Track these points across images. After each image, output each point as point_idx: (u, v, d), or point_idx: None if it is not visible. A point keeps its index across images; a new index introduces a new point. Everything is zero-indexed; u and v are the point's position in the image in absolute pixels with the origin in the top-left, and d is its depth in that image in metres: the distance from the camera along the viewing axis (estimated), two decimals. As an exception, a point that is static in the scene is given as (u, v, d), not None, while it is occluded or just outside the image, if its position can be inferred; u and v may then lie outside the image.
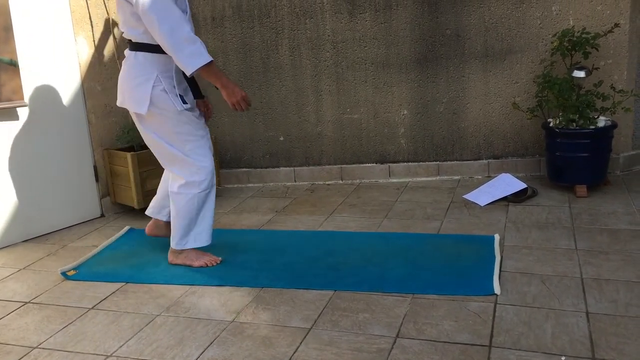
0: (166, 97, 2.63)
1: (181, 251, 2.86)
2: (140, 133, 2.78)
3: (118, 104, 2.77)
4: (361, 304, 2.41)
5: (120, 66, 3.78)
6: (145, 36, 2.59)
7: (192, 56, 2.47)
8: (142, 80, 2.62)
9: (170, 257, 2.92)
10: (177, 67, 2.63)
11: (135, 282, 2.78)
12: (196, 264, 2.86)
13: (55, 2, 3.50)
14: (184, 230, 2.81)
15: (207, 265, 2.86)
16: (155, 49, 2.59)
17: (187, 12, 2.63)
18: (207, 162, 2.74)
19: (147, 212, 3.08)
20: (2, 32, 3.20)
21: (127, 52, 2.70)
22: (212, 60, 2.52)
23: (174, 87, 2.65)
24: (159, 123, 2.68)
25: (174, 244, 2.85)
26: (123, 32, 2.69)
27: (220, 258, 2.91)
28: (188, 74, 2.52)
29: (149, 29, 2.51)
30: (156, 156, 2.83)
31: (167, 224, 3.01)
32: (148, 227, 3.08)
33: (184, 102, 2.67)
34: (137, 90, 2.64)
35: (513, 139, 4.05)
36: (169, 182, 2.83)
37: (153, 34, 2.50)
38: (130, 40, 2.66)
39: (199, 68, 2.49)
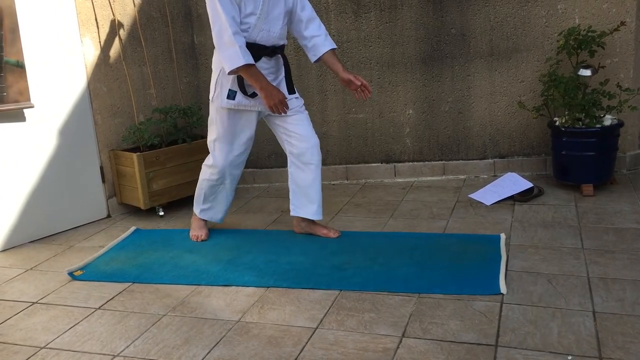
0: (219, 91, 2.92)
1: (194, 218, 3.29)
2: None
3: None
4: (367, 303, 2.41)
5: (126, 68, 3.82)
6: None
7: (230, 57, 2.71)
8: (213, 72, 2.97)
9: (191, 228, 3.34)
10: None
11: (142, 282, 2.79)
12: (190, 233, 3.29)
13: (61, 3, 3.52)
14: (196, 199, 3.26)
15: (191, 238, 3.26)
16: None
17: (255, 14, 2.78)
18: (219, 162, 3.07)
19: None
20: (8, 33, 3.21)
21: None
22: (248, 64, 2.71)
23: (228, 82, 2.88)
24: (213, 109, 3.02)
25: (195, 208, 3.29)
26: None
27: (204, 237, 3.25)
28: (226, 72, 2.76)
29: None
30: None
31: (300, 219, 3.21)
32: (293, 226, 3.30)
33: (231, 98, 2.90)
34: (212, 80, 2.98)
35: (519, 138, 4.04)
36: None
37: (213, 35, 2.80)
38: None
39: (236, 69, 2.72)
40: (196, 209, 3.27)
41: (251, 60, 2.72)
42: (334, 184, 4.27)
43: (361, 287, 2.55)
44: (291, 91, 3.01)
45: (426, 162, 4.19)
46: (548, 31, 3.85)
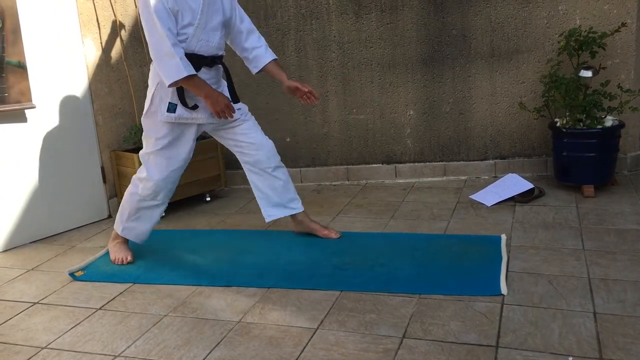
0: (157, 104, 2.79)
1: (116, 235, 3.05)
2: None
3: None
4: (368, 304, 2.41)
5: (127, 68, 3.82)
6: None
7: (170, 70, 2.62)
8: (150, 85, 2.85)
9: (110, 242, 3.12)
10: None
11: (143, 282, 2.79)
12: (112, 256, 3.05)
13: (63, 4, 3.52)
14: (119, 215, 3.02)
15: (116, 262, 3.02)
16: None
17: (193, 24, 2.68)
18: (156, 176, 2.88)
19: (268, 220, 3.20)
20: (10, 34, 3.22)
21: None
22: (190, 75, 2.63)
23: (167, 95, 2.76)
24: (148, 121, 2.87)
25: (115, 226, 3.06)
26: None
27: (130, 258, 3.02)
28: (167, 84, 2.65)
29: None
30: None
31: (298, 220, 3.19)
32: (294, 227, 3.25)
33: (171, 111, 2.78)
34: (148, 94, 2.86)
35: (520, 139, 4.04)
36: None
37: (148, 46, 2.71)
38: None
39: (176, 81, 2.63)
40: (118, 226, 3.02)
41: (193, 71, 2.65)
42: (334, 185, 4.28)
43: (362, 287, 2.55)
44: (235, 99, 2.91)
45: (427, 163, 4.19)
46: (549, 32, 3.85)
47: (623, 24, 3.61)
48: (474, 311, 2.28)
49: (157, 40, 2.61)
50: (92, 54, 3.68)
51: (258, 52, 2.95)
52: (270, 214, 3.14)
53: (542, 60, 3.88)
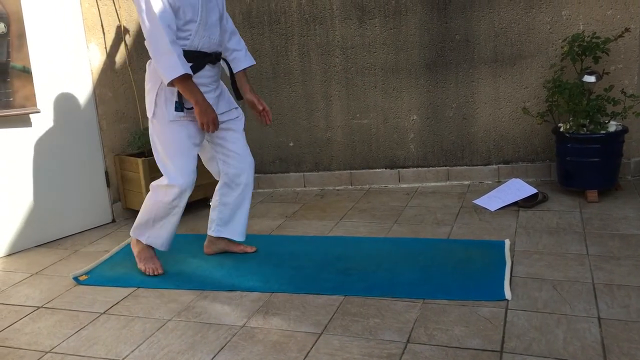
0: (163, 105, 2.72)
1: (137, 243, 2.95)
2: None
3: None
4: (372, 309, 2.41)
5: (132, 73, 3.84)
6: None
7: (168, 67, 2.55)
8: (150, 87, 2.77)
9: (132, 244, 3.00)
10: None
11: (147, 287, 2.80)
12: (140, 265, 2.94)
13: (68, 9, 3.54)
14: (142, 224, 2.90)
15: (146, 272, 2.90)
16: None
17: (195, 21, 2.65)
18: (180, 180, 2.77)
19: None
20: (15, 39, 3.23)
21: None
22: (185, 74, 2.57)
23: (173, 94, 2.70)
24: (157, 127, 2.79)
25: (131, 230, 2.96)
26: None
27: (162, 270, 2.92)
28: (165, 83, 2.59)
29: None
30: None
31: (217, 239, 3.09)
32: (204, 246, 3.15)
33: (179, 110, 2.71)
34: (147, 96, 2.80)
35: (523, 144, 4.04)
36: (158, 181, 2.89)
37: (146, 44, 2.64)
38: None
39: (173, 80, 2.56)
40: (141, 235, 2.91)
41: (189, 71, 2.58)
42: (338, 189, 4.28)
43: (366, 292, 2.55)
44: (238, 96, 2.91)
45: (430, 168, 4.19)
46: (552, 37, 3.85)
47: (626, 29, 3.61)
48: (478, 316, 2.28)
49: (155, 36, 2.55)
50: (97, 58, 3.69)
51: (238, 55, 2.94)
52: (221, 230, 3.06)
53: (546, 65, 3.89)
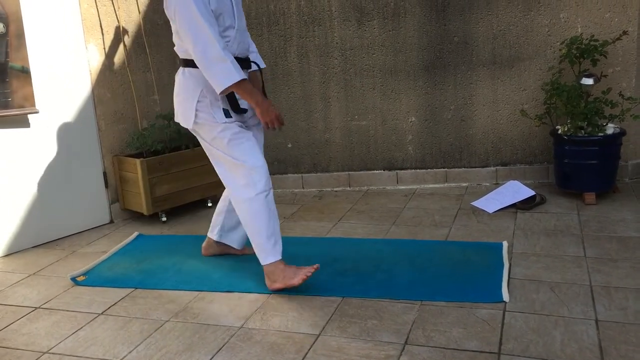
0: (209, 111, 2.60)
1: (274, 271, 2.63)
2: (200, 143, 2.75)
3: (175, 118, 2.78)
4: (369, 310, 2.41)
5: (130, 74, 3.84)
6: (189, 53, 2.56)
7: (222, 74, 2.46)
8: (188, 96, 2.63)
9: (268, 283, 2.66)
10: None
11: (145, 287, 2.79)
12: (295, 281, 2.59)
13: (67, 10, 3.54)
14: (262, 241, 2.63)
15: (307, 277, 2.60)
16: None
17: (234, 27, 2.58)
18: (259, 162, 2.61)
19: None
20: (14, 39, 3.23)
21: (179, 68, 2.72)
22: (242, 79, 2.48)
23: (218, 100, 2.60)
24: (207, 133, 2.65)
25: (262, 260, 2.65)
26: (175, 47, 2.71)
27: (316, 265, 2.64)
28: (218, 91, 2.49)
29: (188, 47, 2.52)
30: (212, 162, 2.75)
31: (216, 243, 3.06)
32: (202, 247, 3.13)
33: (229, 116, 2.61)
34: (184, 105, 2.66)
35: (521, 146, 4.05)
36: (230, 195, 2.71)
37: (190, 52, 2.51)
38: (179, 57, 2.68)
39: (228, 87, 2.47)
40: (273, 254, 2.62)
41: (244, 75, 2.51)
42: (336, 191, 4.28)
43: (364, 294, 2.56)
44: (238, 110, 2.73)
45: (429, 170, 4.19)
46: (550, 40, 3.86)
47: (624, 32, 3.62)
48: (475, 318, 2.28)
49: (205, 44, 2.43)
50: (96, 59, 3.69)
51: (255, 57, 2.86)
52: (226, 236, 3.03)
53: (544, 67, 3.89)
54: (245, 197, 2.61)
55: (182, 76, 2.67)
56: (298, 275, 2.60)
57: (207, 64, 2.47)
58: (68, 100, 3.57)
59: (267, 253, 2.63)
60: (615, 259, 2.75)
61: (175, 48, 2.68)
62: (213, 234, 3.04)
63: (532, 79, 3.94)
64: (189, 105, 2.62)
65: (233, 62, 2.47)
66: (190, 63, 2.60)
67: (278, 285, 2.62)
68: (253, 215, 2.62)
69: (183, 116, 2.67)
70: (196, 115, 2.61)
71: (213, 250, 3.10)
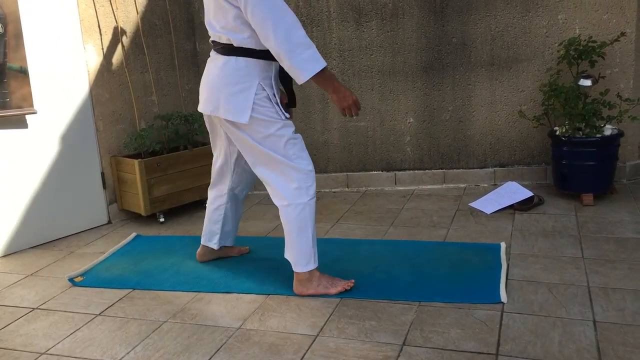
0: (269, 105, 2.44)
1: (310, 278, 2.56)
2: (237, 141, 2.54)
3: (207, 111, 2.53)
4: (368, 311, 2.41)
5: (128, 74, 3.83)
6: (250, 40, 2.38)
7: (308, 62, 2.30)
8: (245, 87, 2.41)
9: (300, 288, 2.59)
10: (275, 73, 2.49)
11: (142, 288, 2.79)
12: (333, 291, 2.56)
13: (65, 10, 3.54)
14: (307, 248, 2.54)
15: (345, 290, 2.56)
16: (257, 54, 2.40)
17: None
18: (310, 165, 2.53)
19: (201, 242, 2.99)
20: (12, 39, 3.23)
21: (219, 56, 2.47)
22: (326, 65, 2.35)
23: (274, 94, 2.46)
24: (260, 131, 2.45)
25: (300, 267, 2.56)
26: (214, 38, 2.49)
27: (352, 281, 2.61)
28: (301, 81, 2.32)
29: (261, 33, 2.31)
30: (253, 163, 2.57)
31: (218, 250, 2.99)
32: (198, 254, 3.04)
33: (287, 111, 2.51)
34: (237, 97, 2.42)
35: (519, 147, 4.05)
36: (275, 198, 2.57)
37: (267, 38, 2.30)
38: (226, 45, 2.43)
39: (314, 75, 2.31)
40: (309, 261, 2.55)
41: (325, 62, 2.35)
42: (334, 192, 4.28)
43: (362, 294, 2.55)
44: (293, 104, 2.63)
45: (427, 171, 4.20)
46: (548, 41, 3.87)
47: (622, 34, 3.62)
48: (473, 319, 2.29)
49: (289, 30, 2.26)
50: (94, 59, 3.69)
51: None
52: (225, 242, 2.99)
53: (542, 68, 3.90)
54: (298, 202, 2.49)
55: (235, 65, 2.41)
56: (336, 287, 2.57)
57: (291, 49, 2.27)
58: (66, 100, 3.57)
59: (309, 260, 2.55)
60: (613, 260, 2.75)
61: (218, 38, 2.45)
62: (212, 243, 2.95)
63: (530, 80, 3.95)
64: (245, 97, 2.40)
65: (315, 48, 2.33)
66: (247, 52, 2.40)
67: (311, 292, 2.57)
68: (303, 221, 2.51)
69: (236, 109, 2.41)
70: (253, 109, 2.40)
71: (211, 256, 3.04)
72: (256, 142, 2.47)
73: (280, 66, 2.46)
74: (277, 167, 2.50)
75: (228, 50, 2.43)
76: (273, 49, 2.31)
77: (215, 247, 2.96)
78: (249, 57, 2.40)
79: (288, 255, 2.59)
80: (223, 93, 2.44)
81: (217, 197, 2.89)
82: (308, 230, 2.53)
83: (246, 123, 2.41)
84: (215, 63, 2.50)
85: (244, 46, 2.40)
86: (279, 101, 2.47)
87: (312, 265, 2.57)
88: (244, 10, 2.30)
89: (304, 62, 2.29)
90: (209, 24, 2.49)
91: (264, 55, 2.40)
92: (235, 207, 2.93)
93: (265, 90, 2.42)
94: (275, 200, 2.56)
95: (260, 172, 2.56)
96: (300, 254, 2.55)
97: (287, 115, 2.49)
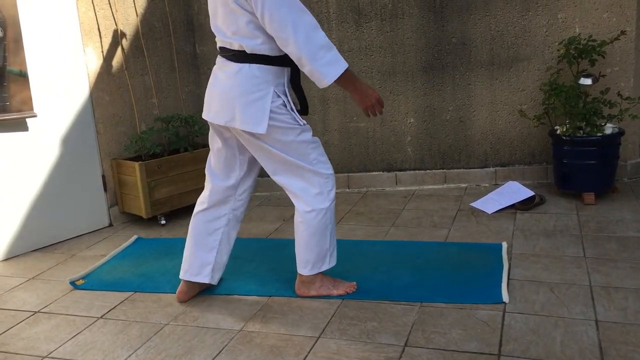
0: (286, 111, 2.36)
1: (314, 280, 2.56)
2: (256, 150, 2.45)
3: (222, 122, 2.39)
4: (369, 312, 2.41)
5: (129, 77, 3.83)
6: (264, 47, 2.29)
7: (330, 65, 2.23)
8: (260, 95, 2.31)
9: (302, 290, 2.59)
10: (287, 79, 2.41)
11: (144, 291, 2.79)
12: (335, 292, 2.56)
13: (65, 13, 3.54)
14: (322, 252, 2.52)
15: (347, 293, 2.57)
16: (271, 60, 2.32)
17: None
18: (331, 169, 2.50)
19: (182, 277, 2.63)
20: (12, 43, 3.23)
21: (230, 64, 2.36)
22: (348, 66, 2.29)
23: (289, 100, 2.38)
24: (280, 139, 2.38)
25: (307, 270, 2.54)
26: (223, 44, 2.37)
27: (354, 283, 2.62)
28: (324, 85, 2.26)
29: (280, 38, 2.22)
30: (273, 171, 2.50)
31: (202, 284, 2.68)
32: (179, 292, 2.65)
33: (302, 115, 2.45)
34: (253, 106, 2.32)
35: (520, 147, 4.05)
36: (299, 204, 2.51)
37: (286, 43, 2.22)
38: (238, 51, 2.32)
39: (337, 77, 2.25)
40: (323, 264, 2.54)
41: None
42: (335, 193, 4.27)
43: (363, 295, 2.55)
44: (306, 111, 2.51)
45: (427, 171, 4.19)
46: (548, 40, 3.86)
47: (622, 32, 3.62)
48: (475, 319, 2.28)
49: (309, 31, 2.19)
50: (94, 62, 3.69)
51: None
52: (219, 275, 2.70)
53: (542, 68, 3.89)
54: (320, 207, 2.46)
55: (248, 73, 2.31)
56: (340, 288, 2.57)
57: (313, 53, 2.20)
58: (66, 103, 3.57)
59: (323, 263, 2.54)
60: (614, 259, 2.75)
61: (229, 45, 2.34)
62: (202, 276, 2.62)
63: (530, 80, 3.94)
64: (261, 106, 2.31)
65: (336, 49, 2.28)
66: (261, 59, 2.31)
67: (313, 293, 2.57)
68: (322, 226, 2.48)
69: (253, 119, 2.31)
70: (270, 117, 2.32)
71: (193, 292, 2.67)
72: (276, 150, 2.40)
73: (291, 72, 2.41)
74: (298, 172, 2.46)
75: (240, 57, 2.32)
76: (293, 53, 2.23)
77: (206, 280, 2.62)
78: (262, 64, 2.31)
79: (300, 256, 2.56)
80: (238, 103, 2.33)
81: (214, 219, 2.62)
82: (326, 234, 2.51)
83: (264, 133, 2.33)
84: (225, 71, 2.37)
85: (258, 52, 2.30)
86: (294, 107, 2.40)
87: (325, 267, 2.55)
88: (260, 16, 2.20)
89: (326, 66, 2.23)
90: (216, 29, 2.38)
91: (278, 61, 2.33)
92: (233, 231, 2.69)
93: (280, 97, 2.35)
94: (298, 206, 2.51)
95: (281, 180, 2.50)
96: (316, 258, 2.53)
97: (304, 121, 2.43)
